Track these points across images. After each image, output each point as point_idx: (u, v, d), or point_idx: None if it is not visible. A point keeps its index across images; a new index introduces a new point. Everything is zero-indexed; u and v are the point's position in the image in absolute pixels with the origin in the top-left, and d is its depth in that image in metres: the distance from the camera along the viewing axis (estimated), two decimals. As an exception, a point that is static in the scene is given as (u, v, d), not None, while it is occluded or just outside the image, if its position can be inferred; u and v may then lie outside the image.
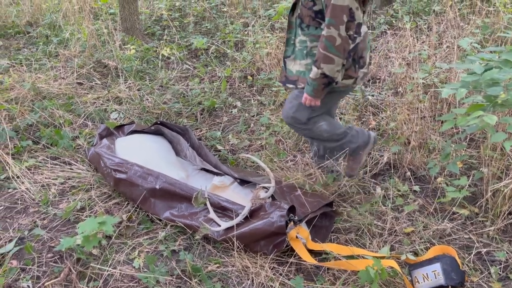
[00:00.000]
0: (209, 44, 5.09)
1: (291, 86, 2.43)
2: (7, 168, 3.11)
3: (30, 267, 2.28)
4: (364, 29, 2.19)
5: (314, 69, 2.17)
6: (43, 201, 2.83)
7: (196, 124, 3.83)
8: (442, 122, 3.33)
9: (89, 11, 5.81)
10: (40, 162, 3.24)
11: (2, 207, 2.79)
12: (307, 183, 2.73)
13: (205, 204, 2.51)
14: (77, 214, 2.72)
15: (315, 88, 2.21)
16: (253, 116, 3.92)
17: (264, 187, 2.50)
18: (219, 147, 3.44)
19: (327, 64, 2.12)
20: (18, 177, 3.06)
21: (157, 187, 2.65)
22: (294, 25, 2.30)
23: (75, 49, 4.92)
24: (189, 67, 4.81)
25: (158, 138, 3.26)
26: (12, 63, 4.75)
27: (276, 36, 4.77)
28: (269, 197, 2.42)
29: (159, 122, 3.25)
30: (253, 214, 2.35)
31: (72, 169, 3.19)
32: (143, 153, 3.01)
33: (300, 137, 3.41)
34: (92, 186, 2.99)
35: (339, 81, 2.24)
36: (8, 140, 3.26)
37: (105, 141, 3.15)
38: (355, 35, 2.11)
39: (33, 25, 6.15)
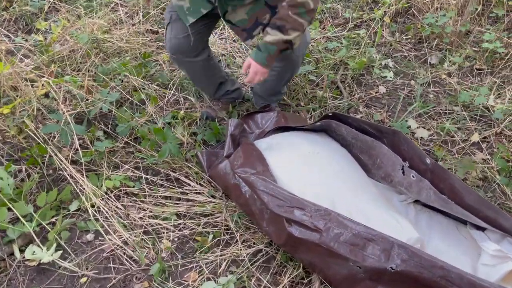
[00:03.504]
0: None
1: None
2: (78, 192, 1.82)
3: None
4: None
5: (277, 33, 1.72)
6: (156, 272, 1.55)
7: (340, 103, 2.44)
8: None
9: None
10: (130, 178, 1.93)
11: (84, 281, 1.53)
12: None
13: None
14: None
15: (270, 55, 1.76)
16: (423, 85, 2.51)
17: None
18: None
19: (295, 31, 1.72)
20: (98, 210, 1.77)
21: (392, 266, 1.32)
22: None
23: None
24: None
25: (331, 144, 1.88)
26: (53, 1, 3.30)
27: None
28: None
29: (331, 114, 1.86)
30: None
31: (187, 193, 1.88)
32: (320, 176, 1.66)
33: None
34: (237, 230, 1.69)
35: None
36: (77, 141, 1.93)
37: (241, 149, 1.80)
38: None
39: None
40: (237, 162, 1.73)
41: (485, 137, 2.23)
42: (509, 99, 2.41)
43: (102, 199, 1.83)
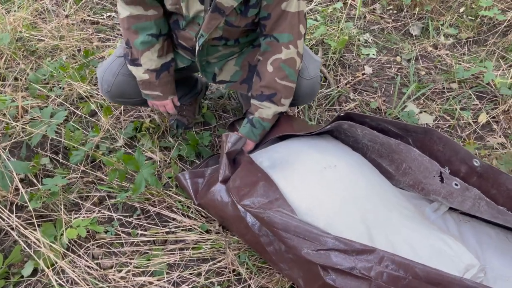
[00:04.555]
0: None
1: None
2: (31, 251, 1.38)
3: None
4: None
5: (270, 106, 1.53)
6: None
7: (329, 93, 2.13)
8: None
9: None
10: (99, 222, 1.51)
11: None
12: None
13: None
14: None
15: (265, 130, 1.58)
16: (410, 61, 2.24)
17: None
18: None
19: (288, 99, 1.55)
20: (62, 271, 1.36)
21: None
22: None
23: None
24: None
25: (345, 150, 1.56)
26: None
27: None
28: None
29: (343, 114, 1.52)
30: None
31: (174, 231, 1.49)
32: (345, 198, 1.34)
33: None
34: (249, 276, 1.34)
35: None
36: (18, 182, 1.45)
37: (242, 172, 1.43)
38: None
39: None
40: (240, 190, 1.36)
41: (493, 117, 2.01)
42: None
43: (65, 256, 1.40)
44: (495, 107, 2.05)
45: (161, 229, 1.50)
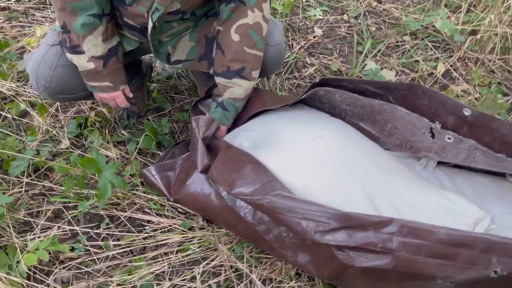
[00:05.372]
0: None
1: None
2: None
3: None
4: None
5: (241, 83, 1.36)
6: None
7: (285, 60, 2.01)
8: None
9: None
10: (62, 240, 1.28)
11: None
12: None
13: None
14: None
15: (238, 111, 1.43)
16: (357, 18, 2.18)
17: None
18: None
19: (257, 70, 1.37)
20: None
21: (497, 270, 1.00)
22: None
23: None
24: None
25: (325, 118, 1.45)
26: None
27: None
28: None
29: (318, 81, 1.39)
30: None
31: (153, 236, 1.30)
32: (340, 169, 1.24)
33: None
34: (249, 269, 1.21)
35: None
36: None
37: (224, 158, 1.27)
38: None
39: None
40: (227, 178, 1.20)
41: (451, 65, 2.00)
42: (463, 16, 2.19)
43: (27, 287, 1.17)
44: (451, 55, 2.04)
45: (137, 235, 1.31)
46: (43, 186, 1.43)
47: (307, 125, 1.36)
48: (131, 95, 1.43)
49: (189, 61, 1.45)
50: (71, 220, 1.33)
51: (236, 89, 1.38)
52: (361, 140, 1.38)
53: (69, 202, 1.37)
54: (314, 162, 1.24)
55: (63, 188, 1.37)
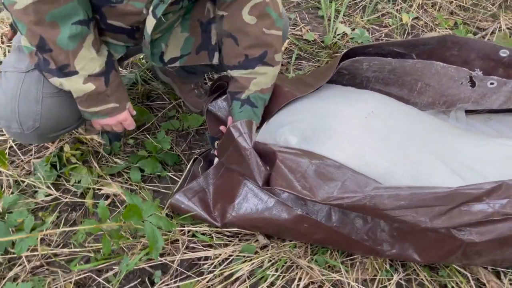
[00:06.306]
0: None
1: None
2: None
3: None
4: None
5: (267, 70, 1.18)
6: None
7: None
8: None
9: None
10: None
11: None
12: None
13: None
14: None
15: (266, 104, 1.24)
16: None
17: None
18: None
19: (279, 53, 1.20)
20: None
21: None
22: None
23: None
24: None
25: (357, 92, 1.31)
26: None
27: None
28: None
29: (347, 51, 1.24)
30: None
31: (223, 271, 1.08)
32: (413, 141, 1.14)
33: None
34: (346, 276, 1.06)
35: None
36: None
37: (280, 166, 1.07)
38: None
39: None
40: (304, 186, 1.01)
41: (416, 17, 1.99)
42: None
43: None
44: (411, 4, 2.02)
45: (198, 280, 1.07)
46: (42, 255, 1.11)
47: (351, 103, 1.22)
48: (134, 112, 1.15)
49: (186, 56, 1.20)
50: (108, 286, 1.04)
51: (262, 79, 1.18)
52: (404, 106, 1.28)
53: (98, 266, 1.07)
54: (381, 141, 1.12)
55: (65, 250, 1.06)
